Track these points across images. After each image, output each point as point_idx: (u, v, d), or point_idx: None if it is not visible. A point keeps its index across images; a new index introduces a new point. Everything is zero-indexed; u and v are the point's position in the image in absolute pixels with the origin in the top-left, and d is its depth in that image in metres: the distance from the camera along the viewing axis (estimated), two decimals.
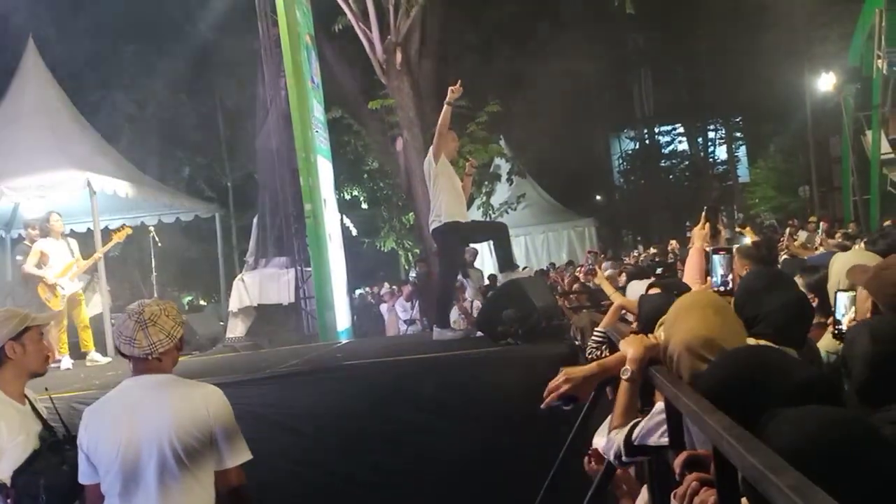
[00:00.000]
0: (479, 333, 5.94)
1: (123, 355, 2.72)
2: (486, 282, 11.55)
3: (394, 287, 15.31)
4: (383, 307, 13.86)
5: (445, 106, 6.04)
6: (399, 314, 12.28)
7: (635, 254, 17.44)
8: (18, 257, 8.05)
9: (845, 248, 6.19)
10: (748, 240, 6.17)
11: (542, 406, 2.40)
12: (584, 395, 2.40)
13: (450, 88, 5.98)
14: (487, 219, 15.70)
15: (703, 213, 4.00)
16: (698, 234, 3.94)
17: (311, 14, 10.57)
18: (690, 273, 3.80)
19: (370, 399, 4.95)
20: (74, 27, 17.33)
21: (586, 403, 2.87)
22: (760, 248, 4.34)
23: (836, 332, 2.76)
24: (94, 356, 7.69)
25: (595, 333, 4.10)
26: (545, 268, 16.41)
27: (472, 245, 10.84)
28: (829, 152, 24.68)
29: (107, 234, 10.79)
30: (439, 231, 6.25)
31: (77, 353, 7.71)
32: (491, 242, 6.99)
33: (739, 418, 1.40)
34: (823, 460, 1.19)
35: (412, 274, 14.47)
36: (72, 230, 9.65)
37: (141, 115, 20.18)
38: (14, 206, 10.17)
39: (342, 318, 9.57)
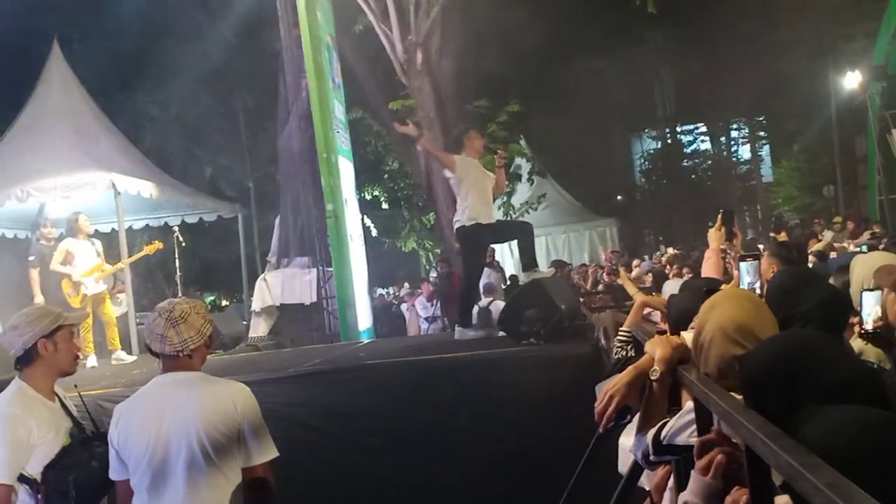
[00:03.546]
0: (502, 333, 5.93)
1: (153, 353, 2.75)
2: (508, 282, 11.52)
3: (411, 287, 15.30)
4: (404, 307, 13.88)
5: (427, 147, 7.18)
6: (419, 312, 12.27)
7: (658, 254, 17.33)
8: (31, 258, 7.93)
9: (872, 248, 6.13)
10: None
11: (601, 431, 2.34)
12: (634, 401, 2.32)
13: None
14: (508, 219, 15.65)
15: (720, 215, 3.99)
16: (714, 236, 3.94)
17: (332, 14, 10.60)
18: (707, 274, 3.79)
19: (392, 398, 4.97)
20: (98, 29, 17.52)
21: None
22: (791, 249, 4.30)
23: (863, 332, 2.71)
24: (120, 355, 7.75)
25: (620, 332, 4.08)
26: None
27: (491, 245, 10.80)
28: (853, 151, 24.34)
29: (131, 234, 10.88)
30: (463, 230, 6.26)
31: (102, 351, 7.78)
32: (515, 242, 6.99)
33: (777, 407, 1.37)
34: (861, 464, 1.16)
35: (433, 274, 14.45)
36: (96, 230, 9.76)
37: (164, 116, 20.38)
38: (40, 206, 10.29)
39: (364, 318, 9.60)
